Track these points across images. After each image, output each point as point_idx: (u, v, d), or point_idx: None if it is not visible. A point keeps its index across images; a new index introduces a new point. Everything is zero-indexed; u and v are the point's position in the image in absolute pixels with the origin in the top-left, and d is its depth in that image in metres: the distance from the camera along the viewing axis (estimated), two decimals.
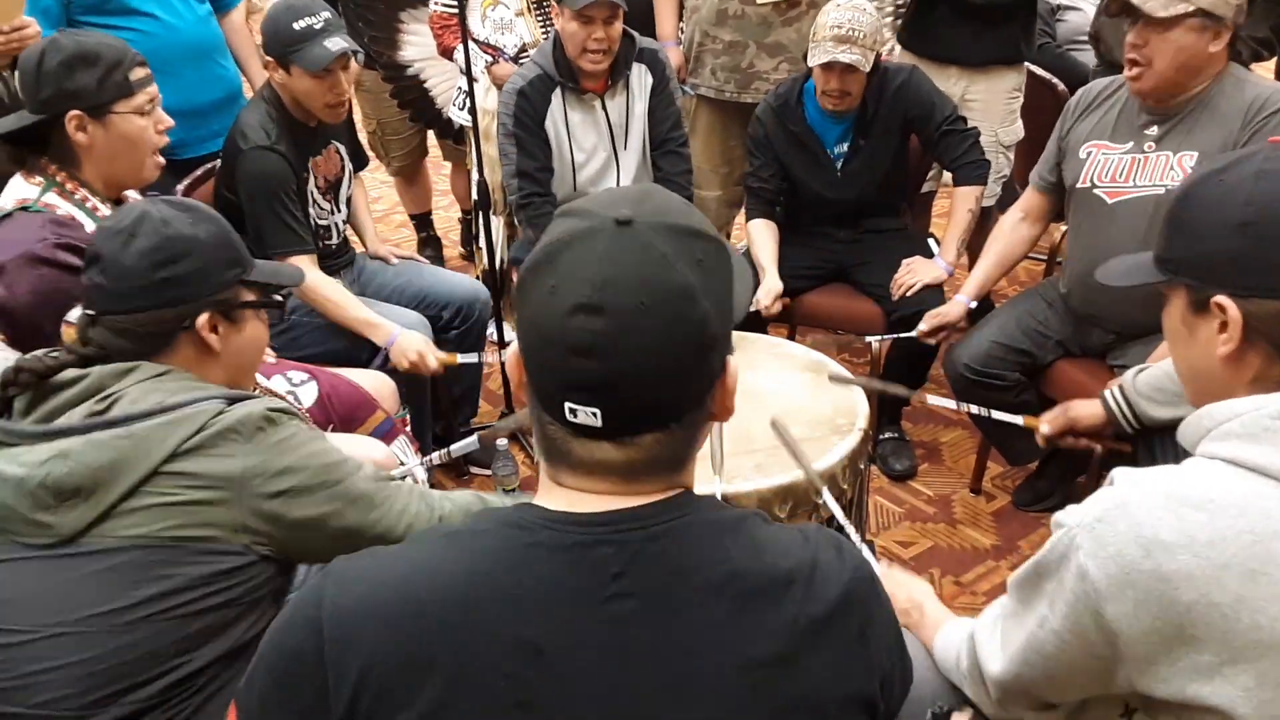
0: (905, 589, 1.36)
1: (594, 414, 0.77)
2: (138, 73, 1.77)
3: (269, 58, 2.23)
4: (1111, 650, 0.90)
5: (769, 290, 2.54)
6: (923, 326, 2.39)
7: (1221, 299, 0.94)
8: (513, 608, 0.78)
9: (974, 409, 2.12)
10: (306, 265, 2.26)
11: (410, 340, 2.26)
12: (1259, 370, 0.94)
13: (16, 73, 1.76)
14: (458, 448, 1.93)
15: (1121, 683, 0.92)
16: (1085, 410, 1.84)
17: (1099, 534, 0.89)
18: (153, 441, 1.16)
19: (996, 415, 2.05)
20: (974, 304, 2.43)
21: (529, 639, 0.77)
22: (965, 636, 1.13)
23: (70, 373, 1.24)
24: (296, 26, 2.18)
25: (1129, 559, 0.87)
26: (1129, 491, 0.91)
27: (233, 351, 1.34)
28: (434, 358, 2.26)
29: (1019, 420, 1.99)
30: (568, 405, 0.77)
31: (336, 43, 2.20)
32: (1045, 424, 1.88)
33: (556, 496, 0.82)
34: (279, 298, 1.42)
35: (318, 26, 2.20)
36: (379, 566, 0.82)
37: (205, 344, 1.30)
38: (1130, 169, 2.07)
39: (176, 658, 1.17)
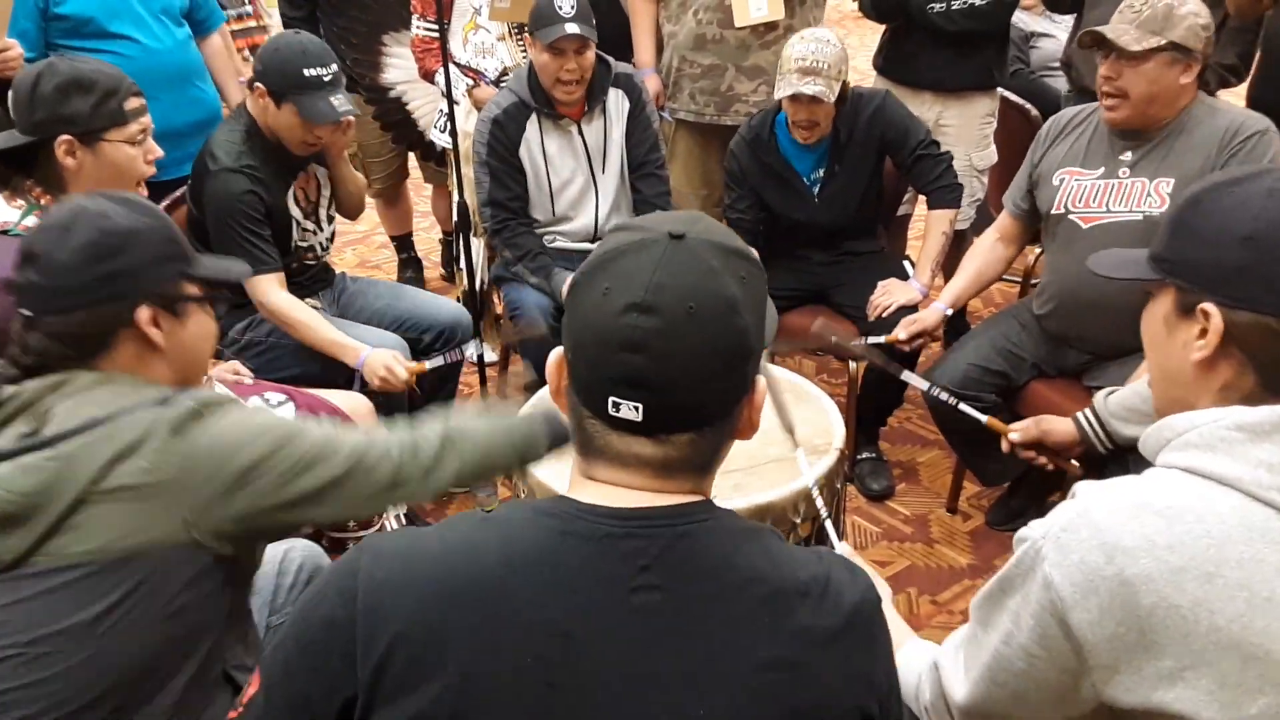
0: None
1: (636, 408, 0.81)
2: (132, 102, 1.77)
3: (261, 85, 2.20)
4: (1078, 661, 0.91)
5: None
6: (901, 334, 2.42)
7: (1208, 305, 0.95)
8: (543, 591, 0.81)
9: (942, 394, 2.14)
10: (273, 286, 2.26)
11: (378, 356, 2.23)
12: (1228, 380, 0.95)
13: (10, 93, 1.77)
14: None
15: (1087, 695, 0.93)
16: (1057, 425, 1.86)
17: (1063, 543, 0.91)
18: (82, 460, 1.12)
19: (964, 408, 2.07)
20: (950, 311, 2.46)
21: (558, 622, 0.80)
22: (927, 666, 1.12)
23: (6, 390, 1.20)
24: (307, 73, 2.17)
25: (1092, 565, 0.89)
26: (1091, 501, 0.92)
27: (178, 347, 1.28)
28: (402, 368, 2.24)
29: (983, 419, 2.02)
30: (612, 399, 0.82)
31: (342, 104, 2.21)
32: (1015, 432, 1.90)
33: (589, 491, 0.86)
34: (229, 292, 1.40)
35: (326, 79, 2.19)
36: (414, 544, 0.85)
37: (148, 340, 1.25)
38: (1104, 194, 2.11)
39: (139, 676, 1.14)
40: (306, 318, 2.28)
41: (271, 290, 2.26)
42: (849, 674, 0.84)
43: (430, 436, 1.31)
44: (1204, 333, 0.96)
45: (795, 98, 2.45)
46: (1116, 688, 0.90)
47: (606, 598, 0.81)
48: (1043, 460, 1.85)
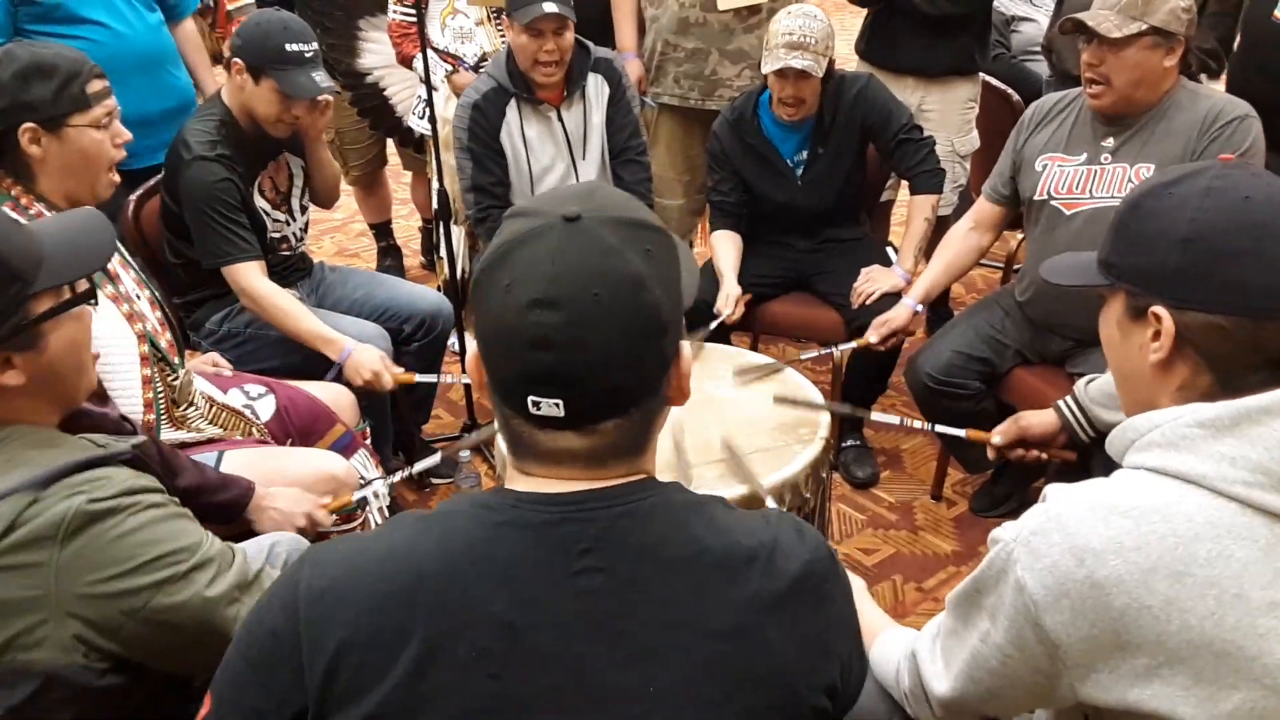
0: None
1: (556, 404, 0.80)
2: (95, 85, 1.73)
3: (240, 61, 2.17)
4: (1051, 662, 0.92)
5: (728, 295, 2.54)
6: (871, 337, 2.39)
7: (1158, 309, 0.96)
8: (484, 583, 0.80)
9: (921, 424, 2.15)
10: (254, 274, 2.21)
11: (365, 356, 2.18)
12: (1185, 379, 0.96)
13: None
14: (420, 466, 1.92)
15: (1065, 693, 0.93)
16: (1036, 420, 1.86)
17: (1034, 547, 0.92)
18: None
19: (940, 429, 2.05)
20: (919, 308, 2.45)
21: (500, 613, 0.79)
22: (906, 654, 1.13)
23: None
24: (288, 48, 2.15)
25: (1063, 569, 0.89)
26: (1061, 504, 0.93)
27: (42, 377, 1.13)
28: (389, 376, 2.19)
29: (962, 434, 1.99)
30: (530, 398, 0.80)
31: (325, 80, 2.19)
32: (997, 435, 1.90)
33: (525, 482, 0.85)
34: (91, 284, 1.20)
35: (308, 55, 2.18)
36: (354, 549, 0.85)
37: (4, 386, 1.10)
38: (1086, 180, 2.11)
39: None
40: (289, 307, 2.24)
41: (252, 277, 2.21)
42: (800, 638, 0.83)
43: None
44: (1157, 335, 0.96)
45: (782, 72, 2.43)
46: (1093, 686, 0.91)
47: (547, 584, 0.80)
48: (1034, 454, 1.85)
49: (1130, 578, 0.87)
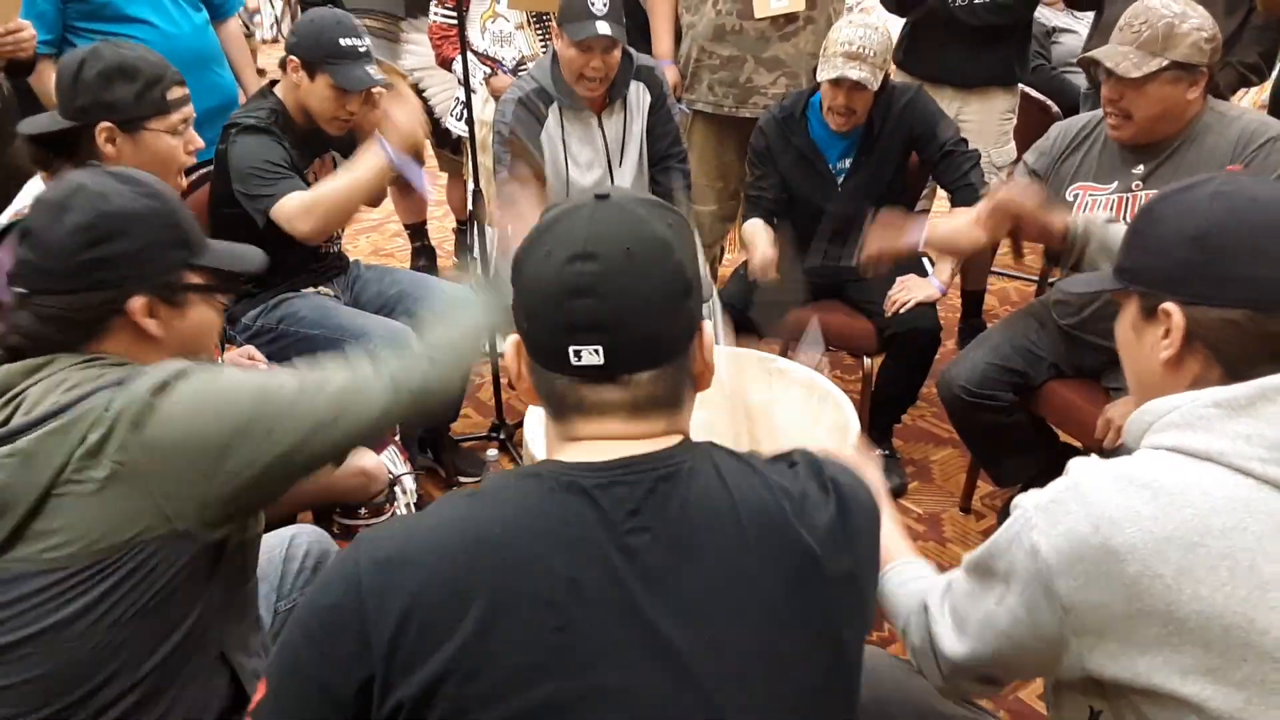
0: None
1: (596, 350, 0.86)
2: (175, 91, 1.76)
3: (295, 58, 2.20)
4: (1063, 628, 0.94)
5: (763, 257, 2.55)
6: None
7: (1169, 306, 1.00)
8: (544, 541, 0.84)
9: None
10: (296, 196, 2.13)
11: (388, 126, 2.18)
12: (1197, 375, 1.00)
13: (55, 76, 1.76)
14: None
15: (1072, 663, 0.95)
16: (1032, 202, 1.87)
17: (1051, 513, 0.95)
18: (41, 457, 1.05)
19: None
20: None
21: (561, 569, 0.83)
22: (918, 606, 1.14)
23: None
24: (343, 43, 2.19)
25: (1079, 535, 0.92)
26: (1081, 476, 0.96)
27: (176, 338, 1.21)
28: (403, 102, 2.21)
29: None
30: (572, 349, 0.86)
31: (376, 72, 2.23)
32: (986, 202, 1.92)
33: (569, 450, 0.90)
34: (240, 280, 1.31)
35: (361, 50, 2.23)
36: (409, 525, 0.88)
37: (143, 330, 1.18)
38: (1119, 208, 2.07)
39: (123, 664, 1.10)
40: (332, 185, 2.16)
41: (295, 199, 2.12)
42: (835, 583, 0.87)
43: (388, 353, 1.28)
44: (1168, 332, 1.01)
45: (838, 82, 2.42)
46: (1102, 655, 0.92)
47: (604, 542, 0.84)
48: (1004, 230, 1.88)
49: (1145, 546, 0.89)
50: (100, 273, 1.15)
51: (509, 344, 0.94)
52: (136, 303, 1.17)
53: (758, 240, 2.63)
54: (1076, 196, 2.13)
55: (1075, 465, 0.99)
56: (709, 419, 1.81)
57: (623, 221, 0.88)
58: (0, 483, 1.06)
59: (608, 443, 0.89)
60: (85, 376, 1.13)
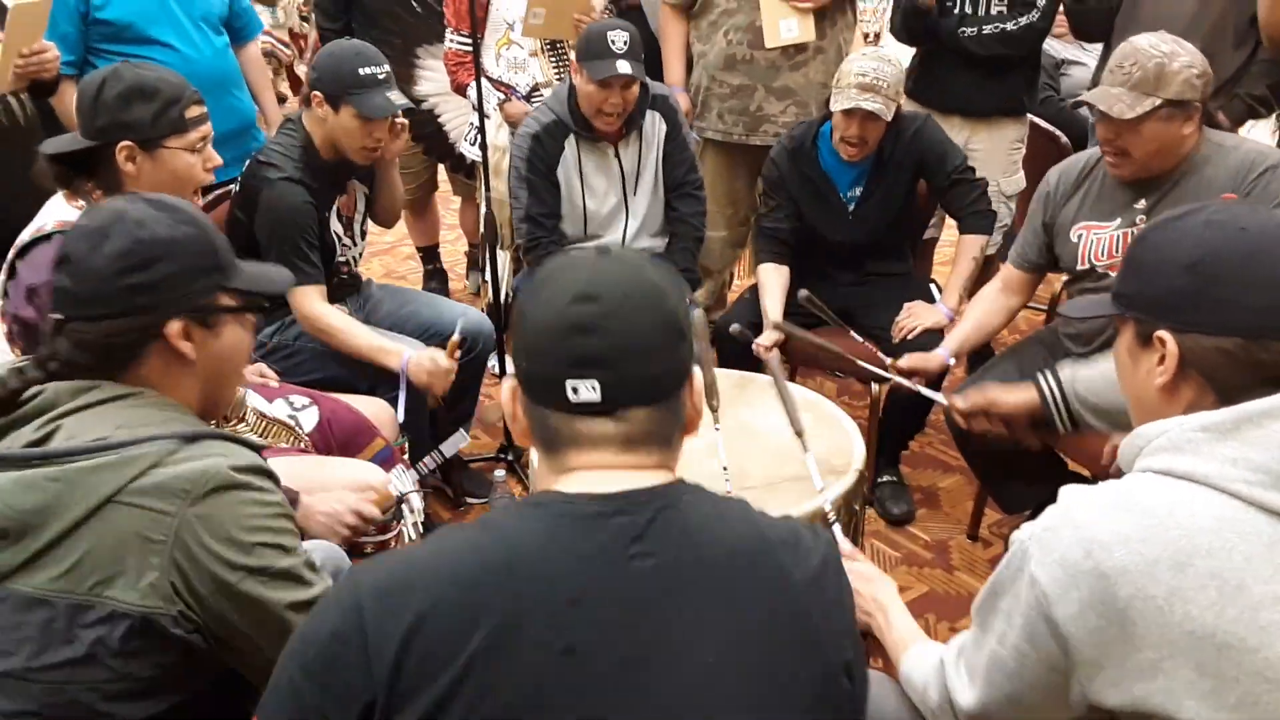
0: (870, 586, 1.36)
1: (594, 386, 0.89)
2: (194, 110, 1.80)
3: (318, 93, 2.23)
4: (1065, 658, 0.95)
5: (769, 335, 2.55)
6: (903, 363, 2.35)
7: (1163, 333, 1.02)
8: (549, 565, 0.86)
9: (899, 379, 2.25)
10: (316, 298, 2.28)
11: (422, 356, 2.26)
12: (1191, 401, 1.02)
13: (75, 97, 1.80)
14: (447, 445, 1.98)
15: (1076, 695, 0.96)
16: (1008, 394, 1.88)
17: (1045, 542, 0.97)
18: (85, 487, 1.05)
19: (901, 382, 2.17)
20: (952, 360, 2.42)
21: (566, 591, 0.84)
22: (934, 666, 1.15)
23: (23, 387, 1.14)
24: (362, 73, 2.22)
25: (1071, 561, 0.94)
26: (1071, 502, 0.98)
27: (209, 359, 1.23)
28: (443, 358, 2.25)
29: (940, 398, 2.08)
30: (570, 384, 0.89)
31: (398, 97, 2.26)
32: (959, 399, 1.91)
33: (566, 481, 0.92)
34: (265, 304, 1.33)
35: (380, 77, 2.25)
36: (411, 553, 0.90)
37: (177, 352, 1.20)
38: (1124, 244, 2.08)
39: None
40: (346, 326, 2.31)
41: (314, 301, 2.28)
42: (827, 613, 0.91)
43: None
44: (1163, 360, 1.02)
45: (851, 112, 2.44)
46: (1102, 683, 0.93)
47: (607, 565, 0.86)
48: (998, 429, 1.87)
49: (1135, 568, 0.91)
50: (139, 299, 1.17)
51: (505, 388, 0.97)
52: (173, 326, 1.19)
53: (768, 304, 2.63)
54: (1080, 237, 2.13)
55: (1066, 492, 1.00)
56: (714, 440, 1.82)
57: (623, 269, 0.93)
58: (36, 504, 1.06)
59: (604, 473, 0.91)
60: (135, 415, 1.14)
